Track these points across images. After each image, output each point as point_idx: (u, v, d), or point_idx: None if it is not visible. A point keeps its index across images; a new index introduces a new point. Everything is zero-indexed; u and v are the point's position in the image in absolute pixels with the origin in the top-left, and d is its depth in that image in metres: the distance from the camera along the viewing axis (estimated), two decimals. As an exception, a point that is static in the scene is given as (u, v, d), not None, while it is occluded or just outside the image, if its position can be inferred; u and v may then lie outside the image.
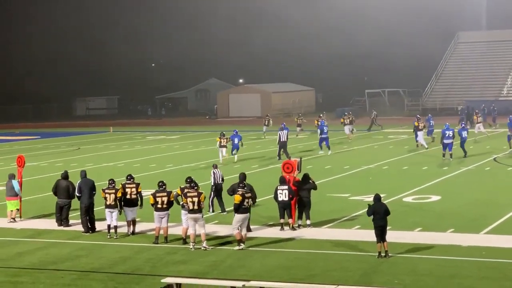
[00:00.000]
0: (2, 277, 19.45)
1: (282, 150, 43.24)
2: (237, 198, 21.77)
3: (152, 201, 22.88)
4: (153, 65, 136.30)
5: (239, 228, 21.68)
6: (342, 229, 23.86)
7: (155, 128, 78.40)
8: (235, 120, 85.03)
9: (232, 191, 23.00)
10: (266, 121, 62.59)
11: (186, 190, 22.22)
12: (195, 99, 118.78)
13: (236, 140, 44.11)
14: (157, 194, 22.81)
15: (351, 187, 32.02)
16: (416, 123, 48.20)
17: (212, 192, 27.26)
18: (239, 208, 21.76)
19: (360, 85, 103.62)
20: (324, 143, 46.30)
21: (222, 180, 27.33)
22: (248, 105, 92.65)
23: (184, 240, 22.45)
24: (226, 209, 26.50)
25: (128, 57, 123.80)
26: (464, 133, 42.51)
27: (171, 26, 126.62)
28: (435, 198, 28.88)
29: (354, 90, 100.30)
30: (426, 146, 46.61)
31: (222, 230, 23.78)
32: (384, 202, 21.26)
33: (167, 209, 22.77)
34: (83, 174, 25.38)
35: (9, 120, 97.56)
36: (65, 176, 25.84)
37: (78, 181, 25.05)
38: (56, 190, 25.71)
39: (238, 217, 21.76)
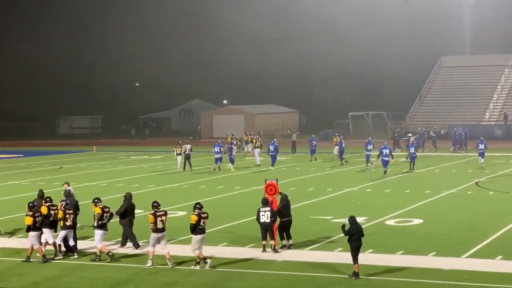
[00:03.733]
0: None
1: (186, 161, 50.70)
2: (193, 218, 21.73)
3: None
4: (137, 84, 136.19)
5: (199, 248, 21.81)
6: (324, 251, 23.86)
7: (138, 148, 78.24)
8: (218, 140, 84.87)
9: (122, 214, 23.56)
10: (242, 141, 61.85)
11: (154, 211, 22.33)
12: (179, 119, 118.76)
13: (216, 149, 49.75)
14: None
15: (333, 210, 32.04)
16: (253, 140, 55.58)
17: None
18: (195, 229, 21.72)
19: (344, 107, 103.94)
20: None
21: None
22: (232, 126, 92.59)
23: (97, 256, 22.91)
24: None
25: (113, 77, 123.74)
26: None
27: (155, 46, 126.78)
28: (417, 221, 28.95)
29: (338, 113, 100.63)
30: (258, 163, 52.60)
31: (179, 249, 23.78)
32: (364, 224, 21.25)
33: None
34: (67, 193, 25.27)
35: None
36: (41, 195, 25.89)
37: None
38: None
39: (195, 238, 21.73)
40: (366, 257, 22.33)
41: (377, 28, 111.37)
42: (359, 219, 20.77)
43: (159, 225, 21.95)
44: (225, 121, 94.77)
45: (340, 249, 23.91)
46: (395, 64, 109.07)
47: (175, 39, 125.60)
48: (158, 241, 21.99)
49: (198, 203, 22.28)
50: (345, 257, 22.38)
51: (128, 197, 24.48)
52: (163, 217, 22.10)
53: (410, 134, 63.79)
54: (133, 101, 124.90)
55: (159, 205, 22.42)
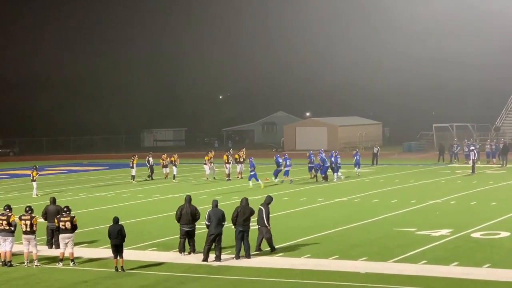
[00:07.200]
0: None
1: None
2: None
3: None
4: (220, 97, 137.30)
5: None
6: (408, 263, 23.46)
7: (221, 160, 78.50)
8: (301, 153, 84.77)
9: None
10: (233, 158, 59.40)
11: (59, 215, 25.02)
12: (262, 131, 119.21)
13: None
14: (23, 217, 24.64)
15: (417, 222, 31.59)
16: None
17: None
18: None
19: (428, 119, 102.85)
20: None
21: None
22: (314, 138, 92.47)
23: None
24: None
25: (196, 90, 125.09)
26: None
27: (239, 59, 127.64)
28: (504, 234, 28.31)
29: (421, 124, 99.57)
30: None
31: (259, 261, 23.68)
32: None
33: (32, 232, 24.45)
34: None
35: (78, 150, 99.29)
36: (54, 201, 27.60)
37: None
38: (46, 215, 27.25)
39: None
40: (452, 270, 21.97)
41: (463, 38, 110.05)
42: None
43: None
44: (307, 134, 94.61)
45: (424, 261, 23.54)
46: (481, 75, 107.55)
47: (258, 51, 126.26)
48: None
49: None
50: (430, 270, 22.07)
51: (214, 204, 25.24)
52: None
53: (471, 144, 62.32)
54: (216, 113, 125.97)
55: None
